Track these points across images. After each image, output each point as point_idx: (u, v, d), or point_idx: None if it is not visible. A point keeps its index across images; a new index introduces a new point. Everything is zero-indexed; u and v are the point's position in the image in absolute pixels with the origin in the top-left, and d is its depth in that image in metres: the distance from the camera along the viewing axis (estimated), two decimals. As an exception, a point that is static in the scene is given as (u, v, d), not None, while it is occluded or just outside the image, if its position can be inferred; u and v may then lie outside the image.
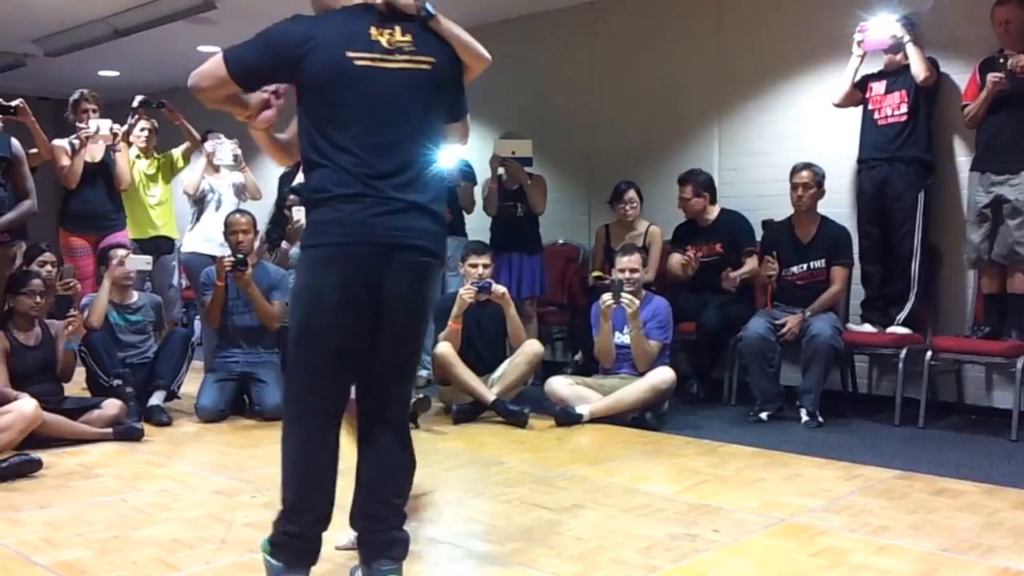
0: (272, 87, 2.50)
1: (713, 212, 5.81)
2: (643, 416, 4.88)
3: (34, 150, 5.68)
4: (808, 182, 5.25)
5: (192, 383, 5.40)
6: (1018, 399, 4.61)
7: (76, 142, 5.87)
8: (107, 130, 5.86)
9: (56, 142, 5.87)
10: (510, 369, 5.22)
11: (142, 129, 6.44)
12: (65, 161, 5.84)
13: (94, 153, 5.94)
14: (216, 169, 6.30)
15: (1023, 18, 4.74)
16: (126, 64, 8.78)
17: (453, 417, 5.05)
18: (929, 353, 4.92)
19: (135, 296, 5.42)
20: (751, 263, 5.56)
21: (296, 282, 2.49)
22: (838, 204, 5.46)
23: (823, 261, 5.25)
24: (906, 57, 5.03)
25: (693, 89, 6.32)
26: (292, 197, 5.58)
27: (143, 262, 5.40)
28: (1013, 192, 4.69)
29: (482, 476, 3.99)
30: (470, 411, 5.07)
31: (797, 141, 5.78)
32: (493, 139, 6.36)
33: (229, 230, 5.38)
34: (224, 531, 3.15)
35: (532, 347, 5.25)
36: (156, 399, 5.10)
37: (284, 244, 5.86)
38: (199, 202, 6.31)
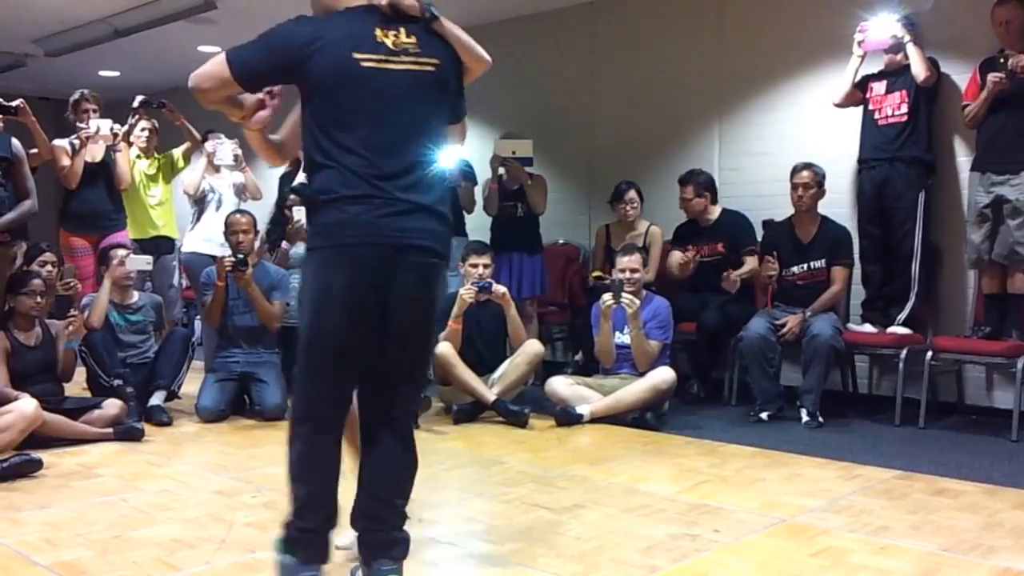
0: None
1: (715, 212, 5.81)
2: (643, 416, 4.88)
3: (34, 150, 5.68)
4: (808, 182, 5.25)
5: (192, 383, 5.40)
6: (1018, 399, 4.61)
7: (76, 142, 5.87)
8: (107, 130, 5.86)
9: (56, 142, 5.87)
10: (510, 369, 5.22)
11: (143, 129, 6.44)
12: (65, 161, 5.84)
13: (94, 153, 5.94)
14: (216, 169, 6.30)
15: (1023, 18, 4.73)
16: (126, 64, 8.78)
17: (453, 417, 5.05)
18: (929, 353, 4.92)
19: (135, 296, 5.42)
20: (751, 262, 5.56)
21: (303, 284, 2.48)
22: (838, 204, 5.46)
23: (823, 261, 5.25)
24: (906, 57, 5.03)
25: (693, 89, 6.32)
26: (292, 197, 5.56)
27: (143, 262, 5.40)
28: (1014, 192, 4.69)
29: (482, 476, 3.99)
30: (470, 411, 5.07)
31: (797, 141, 5.78)
32: (493, 139, 6.37)
33: (229, 230, 5.38)
34: (224, 531, 3.15)
35: (532, 347, 5.25)
36: (156, 399, 5.10)
37: (284, 244, 5.86)
38: (199, 202, 6.31)
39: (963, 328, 5.13)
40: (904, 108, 5.08)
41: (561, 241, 6.82)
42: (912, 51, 4.99)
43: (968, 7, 5.07)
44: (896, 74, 5.14)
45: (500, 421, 4.99)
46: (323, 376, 2.40)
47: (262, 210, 5.97)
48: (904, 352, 4.97)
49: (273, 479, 3.79)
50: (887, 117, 5.14)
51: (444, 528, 3.18)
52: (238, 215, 5.46)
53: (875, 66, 5.25)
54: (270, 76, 2.42)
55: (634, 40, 6.60)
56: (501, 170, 6.12)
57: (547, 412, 5.05)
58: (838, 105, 5.38)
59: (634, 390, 4.93)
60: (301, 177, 2.76)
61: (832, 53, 5.52)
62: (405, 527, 2.52)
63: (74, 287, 5.42)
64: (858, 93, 5.29)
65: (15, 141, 5.29)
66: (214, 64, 2.36)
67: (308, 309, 2.40)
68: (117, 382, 4.97)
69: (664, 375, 4.94)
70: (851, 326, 5.25)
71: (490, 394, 5.06)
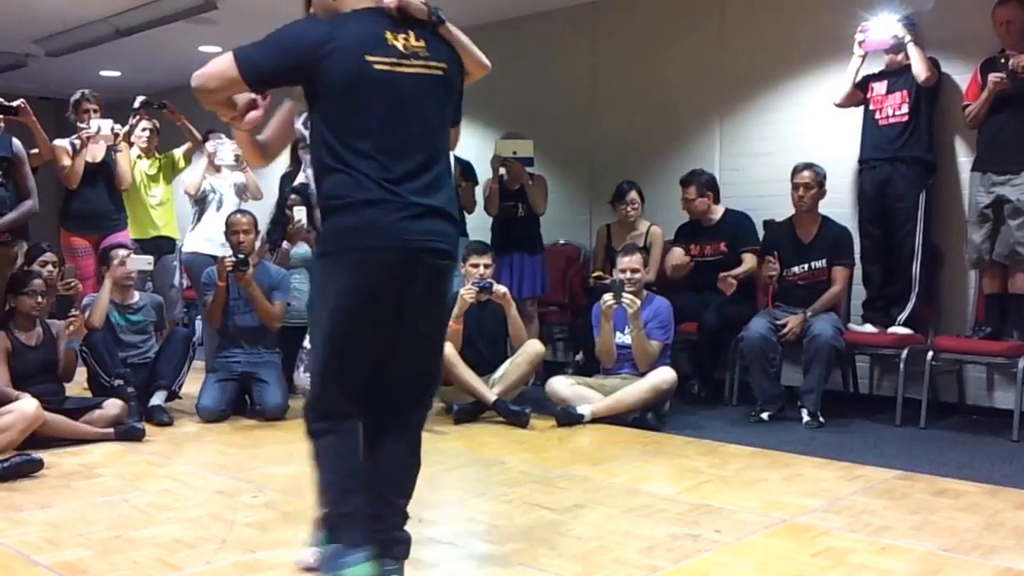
0: None
1: (717, 212, 5.81)
2: (644, 416, 4.88)
3: (35, 150, 5.69)
4: (809, 182, 5.25)
5: (193, 383, 5.40)
6: (1019, 399, 4.61)
7: (77, 142, 5.87)
8: (108, 130, 5.86)
9: (57, 142, 5.87)
10: (511, 369, 5.22)
11: (143, 129, 6.45)
12: (66, 161, 5.84)
13: (95, 153, 5.95)
14: (217, 169, 6.30)
15: (1024, 18, 4.74)
16: (127, 64, 8.79)
17: (454, 417, 5.05)
18: (930, 353, 4.92)
19: (136, 296, 5.42)
20: (749, 261, 5.57)
21: (316, 288, 2.46)
22: (839, 204, 5.46)
23: (824, 261, 5.25)
24: (907, 57, 5.03)
25: (694, 89, 6.32)
26: (293, 197, 5.58)
27: (144, 262, 5.40)
28: (1014, 192, 4.69)
29: (483, 476, 3.99)
30: (471, 411, 5.07)
31: (798, 141, 5.78)
32: (494, 139, 6.37)
33: (230, 230, 5.38)
34: (225, 531, 3.15)
35: (533, 347, 5.25)
36: (157, 399, 5.09)
37: (285, 244, 5.86)
38: (200, 202, 6.31)
39: (964, 328, 5.13)
40: (905, 108, 5.08)
41: (562, 241, 6.82)
42: (913, 51, 4.99)
43: (969, 7, 5.07)
44: (897, 74, 5.14)
45: (501, 421, 4.99)
46: (340, 378, 2.40)
47: (263, 210, 5.98)
48: (905, 352, 4.97)
49: (274, 479, 3.80)
50: (888, 117, 5.14)
51: (445, 528, 3.18)
52: (239, 215, 5.46)
53: (876, 66, 5.25)
54: (280, 77, 2.41)
55: (635, 40, 6.61)
56: (502, 170, 6.12)
57: (548, 412, 5.05)
58: (839, 105, 5.38)
59: (635, 390, 4.93)
60: (302, 177, 2.77)
61: (833, 53, 5.52)
62: (406, 527, 2.52)
63: (75, 287, 5.42)
64: (859, 93, 5.29)
65: (16, 141, 5.29)
66: (221, 64, 2.34)
67: (325, 314, 2.38)
68: (118, 382, 4.96)
69: (665, 375, 4.94)
70: (852, 326, 5.25)
71: (491, 394, 5.06)
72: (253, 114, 2.55)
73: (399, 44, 2.37)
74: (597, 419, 4.94)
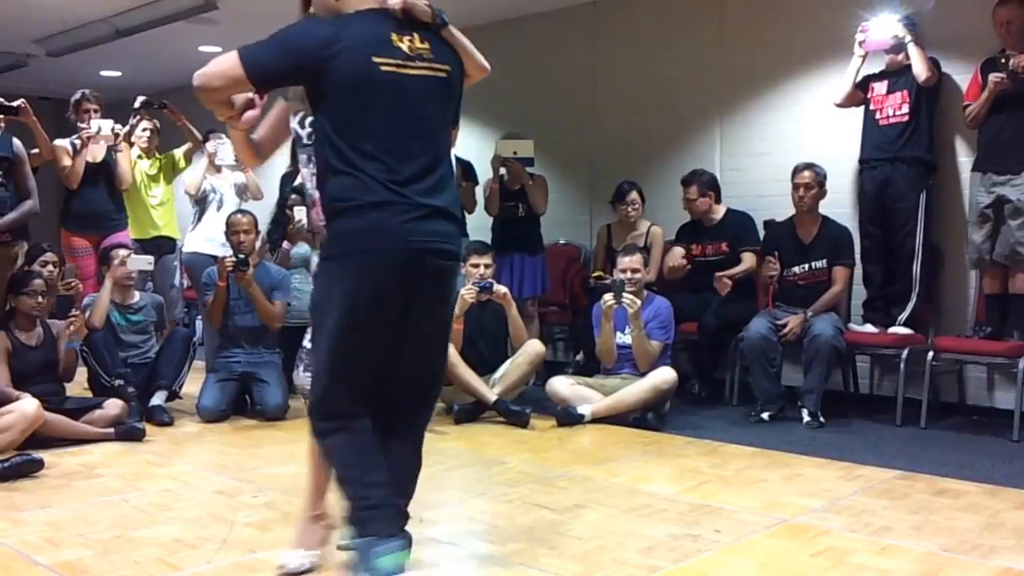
0: None
1: (719, 212, 5.81)
2: (644, 416, 4.88)
3: (36, 150, 5.69)
4: (810, 182, 5.25)
5: (193, 383, 5.40)
6: (1020, 399, 4.60)
7: (77, 142, 5.87)
8: (108, 130, 5.86)
9: (58, 142, 5.87)
10: (511, 369, 5.22)
11: (144, 129, 6.45)
12: (66, 161, 5.85)
13: (95, 153, 5.95)
14: (218, 169, 6.30)
15: (1024, 18, 4.74)
16: (128, 64, 8.78)
17: (455, 417, 5.05)
18: (931, 353, 4.92)
19: (137, 296, 5.43)
20: (747, 260, 5.57)
21: (322, 291, 2.44)
22: (840, 204, 5.46)
23: (824, 261, 5.25)
24: (908, 57, 5.02)
25: (694, 89, 6.32)
26: (294, 197, 5.58)
27: (145, 262, 5.40)
28: (1015, 192, 4.69)
29: (483, 476, 3.99)
30: (472, 411, 5.07)
31: (799, 141, 5.77)
32: (495, 139, 6.37)
33: (231, 230, 5.38)
34: (226, 531, 3.15)
35: (534, 347, 5.25)
36: (158, 399, 5.10)
37: (286, 244, 5.86)
38: (201, 202, 6.31)
39: (964, 328, 5.13)
40: (905, 108, 5.07)
41: (562, 241, 6.82)
42: (913, 51, 4.98)
43: (969, 7, 5.07)
44: (897, 74, 5.14)
45: (501, 421, 4.99)
46: (346, 378, 2.38)
47: (263, 210, 5.98)
48: (905, 352, 4.96)
49: (274, 479, 3.81)
50: (888, 117, 5.14)
51: (445, 528, 3.18)
52: (239, 215, 5.46)
53: (876, 66, 5.25)
54: (285, 77, 2.40)
55: (635, 40, 6.60)
56: (502, 170, 6.13)
57: (548, 412, 5.05)
58: (839, 105, 5.38)
59: (635, 390, 4.93)
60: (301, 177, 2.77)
61: (833, 53, 5.52)
62: (407, 527, 2.52)
63: (75, 287, 5.42)
64: (859, 93, 5.29)
65: (16, 141, 5.30)
66: (225, 63, 2.33)
67: (331, 316, 2.35)
68: (118, 382, 4.97)
69: (665, 375, 4.94)
70: (852, 326, 5.25)
71: (491, 394, 5.06)
72: (250, 113, 2.54)
73: (404, 46, 2.37)
74: (597, 419, 4.94)
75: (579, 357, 6.16)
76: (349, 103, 2.33)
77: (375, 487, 2.36)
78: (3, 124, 5.35)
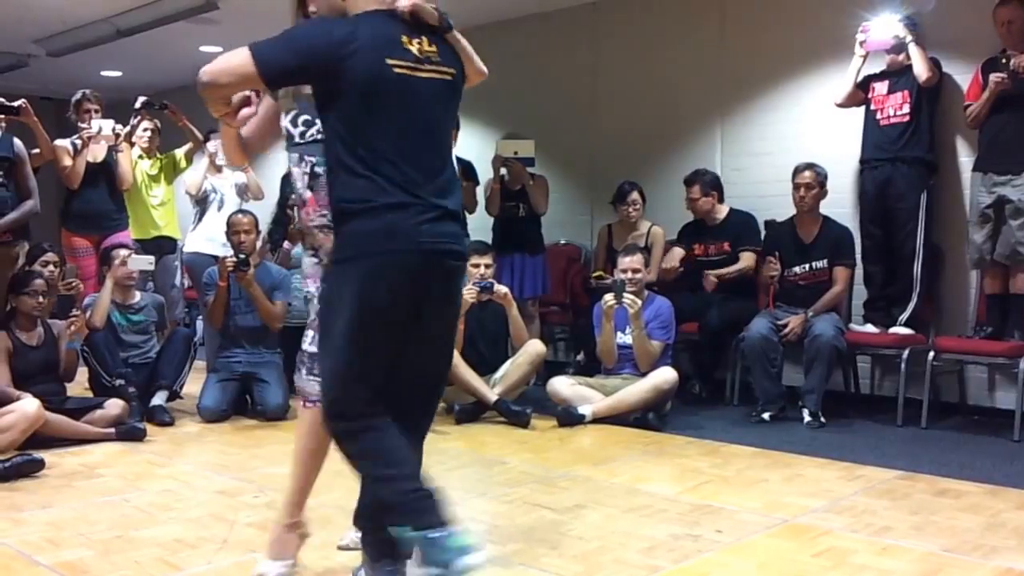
0: None
1: (722, 212, 5.81)
2: (645, 416, 4.88)
3: (36, 150, 5.69)
4: (810, 182, 5.25)
5: (194, 383, 5.40)
6: (1021, 399, 4.60)
7: (78, 142, 5.87)
8: (109, 130, 5.86)
9: (58, 142, 5.87)
10: (512, 369, 5.22)
11: (145, 130, 6.45)
12: (67, 161, 5.85)
13: (96, 153, 5.95)
14: (218, 169, 6.30)
15: (1025, 18, 4.74)
16: (128, 64, 8.79)
17: (455, 417, 5.05)
18: (931, 353, 4.92)
19: (137, 296, 5.43)
20: (745, 260, 5.58)
21: (332, 293, 2.40)
22: (840, 204, 5.46)
23: (825, 261, 5.25)
24: (908, 57, 5.03)
25: (695, 89, 6.32)
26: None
27: (145, 262, 5.40)
28: (1015, 192, 4.69)
29: (484, 476, 3.99)
30: (472, 411, 5.07)
31: (799, 141, 5.78)
32: (495, 139, 6.37)
33: (231, 230, 5.38)
34: (226, 531, 3.16)
35: (534, 347, 5.26)
36: (158, 399, 5.10)
37: (286, 244, 5.86)
38: (201, 202, 6.31)
39: (965, 328, 5.13)
40: (906, 108, 5.07)
41: (563, 241, 6.82)
42: (914, 51, 4.98)
43: (970, 7, 5.07)
44: (898, 74, 5.14)
45: (502, 421, 4.99)
46: (363, 379, 2.36)
47: (264, 210, 5.98)
48: (906, 352, 4.96)
49: (275, 479, 3.80)
50: (889, 117, 5.14)
51: (446, 528, 3.18)
52: (240, 215, 5.46)
53: (877, 66, 5.25)
54: (298, 75, 2.39)
55: (636, 40, 6.61)
56: (503, 170, 6.13)
57: (549, 412, 5.05)
58: (840, 105, 5.38)
59: (636, 390, 4.94)
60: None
61: (834, 53, 5.52)
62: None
63: (76, 287, 5.42)
64: (860, 93, 5.29)
65: (17, 141, 5.29)
66: (235, 59, 2.30)
67: (344, 317, 2.32)
68: (119, 382, 4.97)
69: (666, 375, 4.94)
70: (853, 326, 5.25)
71: (492, 394, 5.06)
72: (247, 111, 2.53)
73: (414, 49, 2.37)
74: (598, 419, 4.94)
75: (580, 357, 6.16)
76: (362, 104, 2.32)
77: (416, 479, 2.32)
78: (4, 124, 5.35)
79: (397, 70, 2.32)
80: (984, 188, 4.82)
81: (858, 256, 5.30)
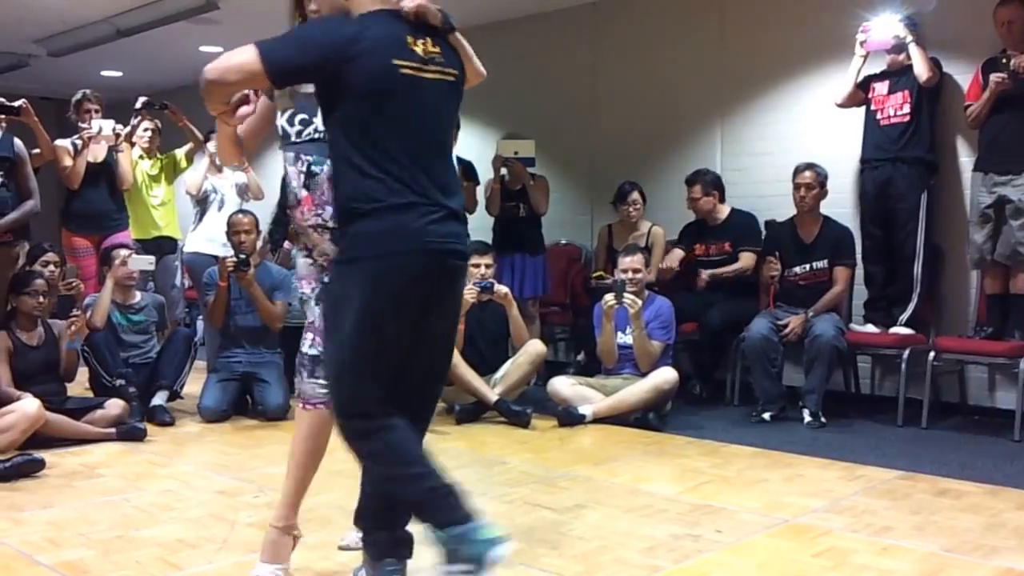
0: None
1: (723, 211, 5.81)
2: (646, 416, 4.88)
3: (37, 150, 5.69)
4: (811, 182, 5.25)
5: (195, 383, 5.40)
6: (1021, 400, 4.60)
7: (78, 142, 5.87)
8: (109, 130, 5.86)
9: (59, 142, 5.87)
10: (512, 369, 5.22)
11: (145, 130, 6.45)
12: (67, 161, 5.85)
13: (96, 153, 5.95)
14: (219, 169, 6.30)
15: (1025, 18, 4.74)
16: (129, 64, 8.79)
17: (456, 417, 5.05)
18: (932, 353, 4.92)
19: (138, 296, 5.43)
20: (744, 260, 5.58)
21: (342, 293, 2.37)
22: (841, 204, 5.46)
23: (826, 261, 5.25)
24: (909, 57, 5.02)
25: (695, 89, 6.32)
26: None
27: (146, 262, 5.40)
28: (1016, 192, 4.69)
29: (484, 476, 3.99)
30: (472, 411, 5.07)
31: (800, 141, 5.77)
32: (495, 139, 6.37)
33: (232, 230, 5.38)
34: (227, 531, 3.16)
35: (535, 347, 5.26)
36: (159, 399, 5.10)
37: (287, 244, 5.86)
38: (202, 202, 6.30)
39: (966, 328, 5.13)
40: (906, 108, 5.07)
41: (563, 241, 6.82)
42: (914, 51, 4.98)
43: (970, 7, 5.07)
44: (898, 74, 5.14)
45: (502, 421, 4.99)
46: (374, 379, 2.35)
47: (264, 210, 5.97)
48: (907, 352, 4.96)
49: (275, 479, 3.78)
50: (889, 117, 5.14)
51: (446, 528, 3.17)
52: (240, 215, 5.46)
53: (877, 66, 5.25)
54: (305, 73, 2.38)
55: (636, 40, 6.60)
56: (503, 170, 6.13)
57: (549, 412, 5.06)
58: (840, 105, 5.38)
59: (636, 390, 4.94)
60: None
61: (834, 53, 5.52)
62: (408, 527, 2.52)
63: (76, 287, 5.42)
64: (860, 93, 5.29)
65: (17, 141, 5.29)
66: (241, 57, 2.28)
67: (351, 319, 2.31)
68: (119, 382, 4.97)
69: (666, 375, 4.94)
70: (853, 326, 5.25)
71: (492, 394, 5.06)
72: (245, 109, 2.53)
73: (419, 49, 2.37)
74: (598, 419, 4.94)
75: (580, 357, 6.16)
76: (370, 104, 2.31)
77: (435, 475, 2.31)
78: (4, 124, 5.35)
79: (403, 71, 2.32)
80: (984, 188, 4.82)
81: (858, 256, 5.30)
